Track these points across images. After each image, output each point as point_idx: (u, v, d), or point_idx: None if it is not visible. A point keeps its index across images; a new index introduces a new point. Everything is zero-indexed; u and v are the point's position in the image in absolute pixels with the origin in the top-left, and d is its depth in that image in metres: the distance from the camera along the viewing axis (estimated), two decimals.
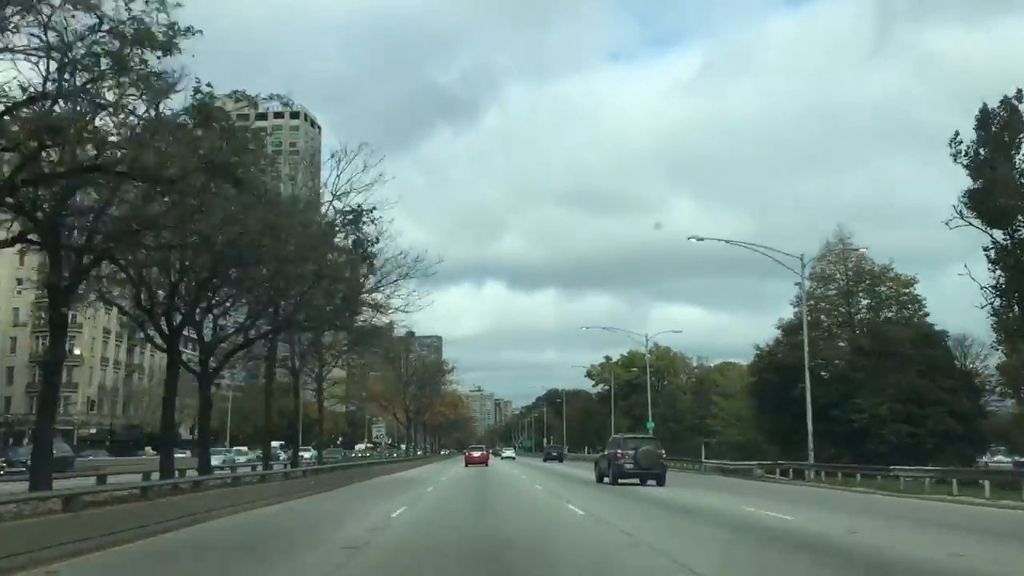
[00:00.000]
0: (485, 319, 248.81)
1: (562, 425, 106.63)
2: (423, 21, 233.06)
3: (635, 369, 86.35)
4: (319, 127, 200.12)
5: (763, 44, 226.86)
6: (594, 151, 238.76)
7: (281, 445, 69.31)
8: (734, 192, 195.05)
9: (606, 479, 28.15)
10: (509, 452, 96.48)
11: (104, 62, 11.07)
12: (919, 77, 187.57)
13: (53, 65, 11.05)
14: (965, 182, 30.45)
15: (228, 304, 22.58)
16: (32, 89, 11.00)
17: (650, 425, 55.52)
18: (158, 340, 20.39)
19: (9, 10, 10.29)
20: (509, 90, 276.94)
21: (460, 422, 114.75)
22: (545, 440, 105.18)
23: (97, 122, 11.84)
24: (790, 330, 43.33)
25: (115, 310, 24.01)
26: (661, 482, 26.66)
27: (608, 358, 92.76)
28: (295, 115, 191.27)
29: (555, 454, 74.45)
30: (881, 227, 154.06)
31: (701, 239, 35.52)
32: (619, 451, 27.66)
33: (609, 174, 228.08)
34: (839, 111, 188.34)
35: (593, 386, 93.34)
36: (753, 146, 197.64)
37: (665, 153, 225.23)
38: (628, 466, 27.19)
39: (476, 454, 57.06)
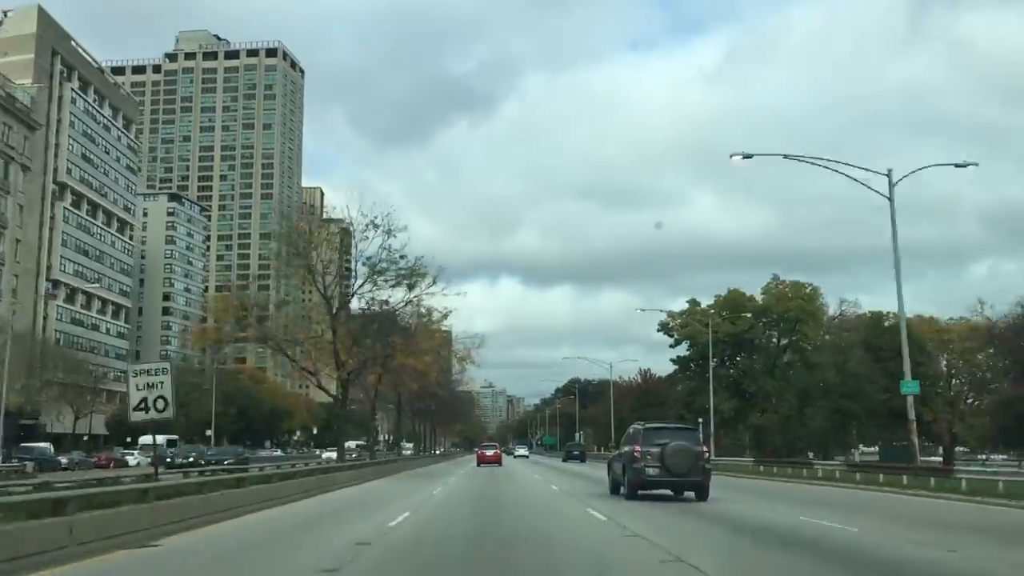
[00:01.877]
0: (498, 316, 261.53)
1: (589, 418, 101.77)
2: (439, 9, 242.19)
3: (747, 316, 64.80)
4: (302, 71, 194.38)
5: (789, 31, 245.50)
6: (613, 143, 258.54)
7: (169, 441, 61.96)
8: (756, 185, 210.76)
9: (622, 490, 22.48)
10: (522, 451, 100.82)
11: None
12: (951, 65, 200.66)
13: None
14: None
15: None
16: None
17: (910, 388, 31.13)
18: None
19: None
20: (526, 80, 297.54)
21: (455, 403, 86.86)
22: (577, 435, 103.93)
23: None
24: None
25: None
26: (702, 495, 21.15)
27: (695, 302, 69.86)
28: (271, 52, 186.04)
29: (576, 453, 74.01)
30: (904, 221, 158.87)
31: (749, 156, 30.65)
32: (638, 449, 21.39)
33: (628, 167, 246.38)
34: (866, 101, 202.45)
35: (672, 345, 70.90)
36: (777, 137, 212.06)
37: (686, 145, 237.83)
38: (651, 471, 21.08)
39: (489, 453, 59.14)
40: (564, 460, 72.06)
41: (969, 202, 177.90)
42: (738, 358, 68.54)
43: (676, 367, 72.65)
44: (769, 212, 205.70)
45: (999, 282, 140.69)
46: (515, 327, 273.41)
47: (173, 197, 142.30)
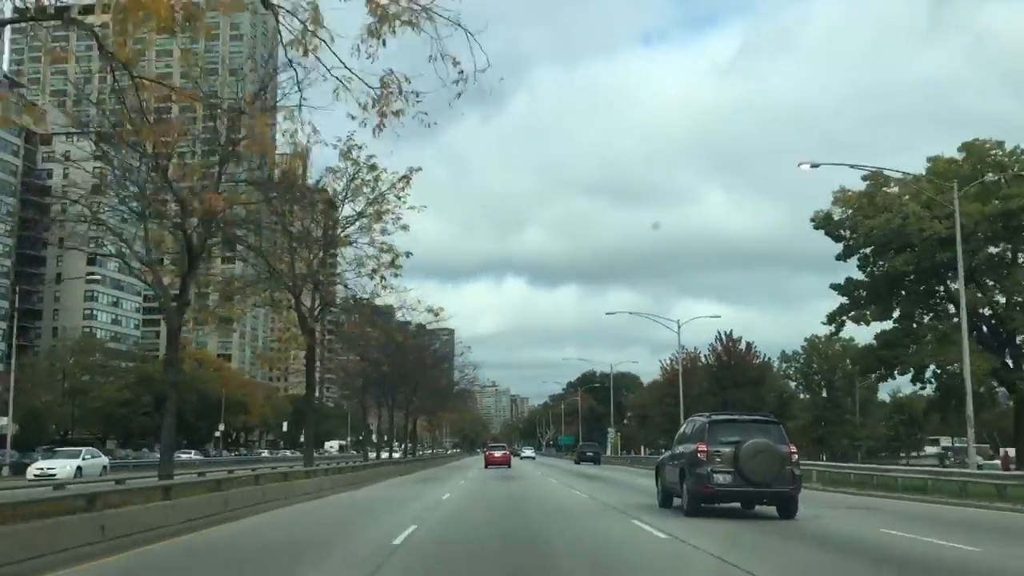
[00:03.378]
0: (503, 316, 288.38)
1: (611, 413, 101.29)
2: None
3: None
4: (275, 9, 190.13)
5: (807, 23, 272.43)
6: (624, 139, 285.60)
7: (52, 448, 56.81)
8: (769, 181, 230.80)
9: (676, 501, 20.52)
10: (529, 452, 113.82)
11: None
12: (972, 58, 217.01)
13: None
14: None
15: None
16: None
17: None
18: None
19: None
20: (536, 74, 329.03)
21: (431, 373, 67.59)
22: (610, 432, 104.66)
23: None
24: None
25: None
26: (789, 511, 18.89)
27: (881, 177, 42.51)
28: None
29: (590, 454, 77.35)
30: None
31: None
32: (702, 448, 18.93)
33: (638, 163, 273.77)
34: (885, 96, 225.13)
35: (842, 255, 47.11)
36: (792, 133, 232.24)
37: (699, 140, 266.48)
38: (721, 477, 18.58)
39: (497, 454, 64.82)
40: (577, 462, 75.61)
41: None
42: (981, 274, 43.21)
43: (844, 299, 48.34)
44: (782, 209, 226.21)
45: None
46: (520, 327, 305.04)
47: (104, 136, 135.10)
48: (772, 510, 19.20)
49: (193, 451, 77.81)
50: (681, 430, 22.27)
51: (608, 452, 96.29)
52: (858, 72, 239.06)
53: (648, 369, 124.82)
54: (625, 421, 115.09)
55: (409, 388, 63.40)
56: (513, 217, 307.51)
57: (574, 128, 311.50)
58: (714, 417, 20.33)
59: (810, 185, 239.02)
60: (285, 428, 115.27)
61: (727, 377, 70.69)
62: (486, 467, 59.37)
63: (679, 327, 63.22)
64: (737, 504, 19.80)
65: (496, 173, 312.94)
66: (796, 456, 19.25)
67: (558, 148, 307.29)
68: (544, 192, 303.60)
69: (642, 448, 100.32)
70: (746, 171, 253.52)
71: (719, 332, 75.01)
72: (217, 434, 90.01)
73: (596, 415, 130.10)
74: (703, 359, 78.28)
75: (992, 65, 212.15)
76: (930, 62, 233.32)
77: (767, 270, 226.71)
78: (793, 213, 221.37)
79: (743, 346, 74.38)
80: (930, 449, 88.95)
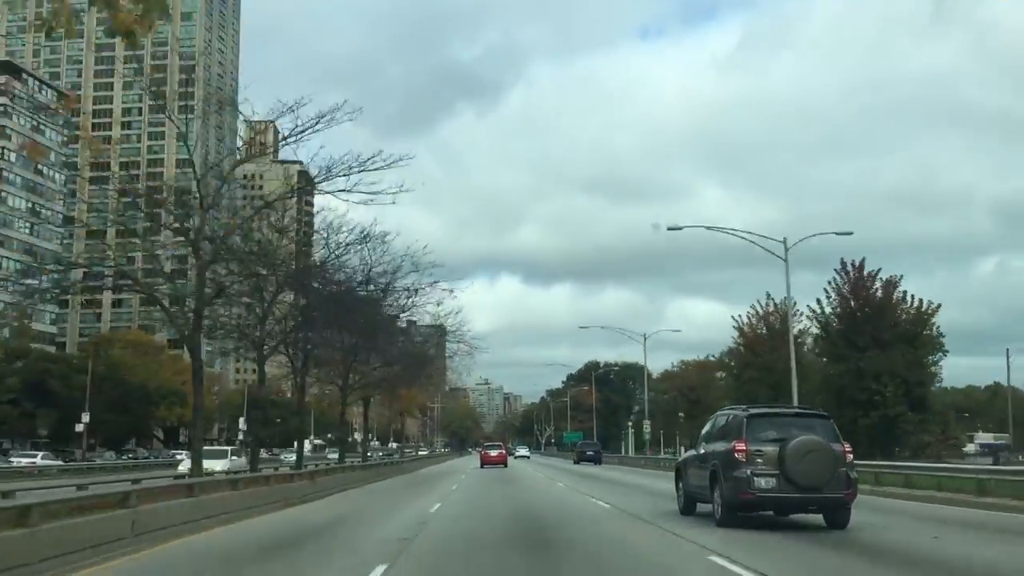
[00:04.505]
0: (497, 314, 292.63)
1: (645, 394, 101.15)
2: None
3: None
4: None
5: (807, 17, 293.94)
6: (622, 134, 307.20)
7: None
8: (768, 177, 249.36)
9: (702, 507, 20.20)
10: (523, 451, 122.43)
11: None
12: (974, 52, 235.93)
13: None
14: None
15: None
16: None
17: None
18: None
19: None
20: (533, 68, 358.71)
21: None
22: (645, 424, 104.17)
23: None
24: None
25: None
26: (840, 519, 18.09)
27: None
28: None
29: (591, 453, 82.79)
30: (917, 214, 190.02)
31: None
32: (739, 447, 18.17)
33: (636, 159, 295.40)
34: (885, 89, 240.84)
35: None
36: (791, 127, 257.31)
37: (698, 136, 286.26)
38: (763, 481, 17.77)
39: (493, 453, 71.86)
40: (576, 462, 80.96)
41: (982, 194, 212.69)
42: None
43: None
44: (782, 205, 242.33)
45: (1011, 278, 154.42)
46: (514, 325, 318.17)
47: (7, 67, 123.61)
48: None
49: (41, 454, 63.80)
50: (707, 427, 21.59)
51: (632, 451, 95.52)
52: (859, 66, 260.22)
53: (651, 366, 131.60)
54: (633, 416, 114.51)
55: (342, 348, 44.74)
56: (509, 214, 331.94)
57: (571, 123, 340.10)
58: (752, 410, 19.65)
59: (809, 182, 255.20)
60: (242, 424, 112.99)
61: (862, 333, 53.41)
62: (482, 467, 65.40)
63: (786, 249, 43.87)
64: (770, 511, 19.05)
65: (492, 169, 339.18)
66: (851, 456, 18.53)
67: (555, 143, 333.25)
68: (540, 188, 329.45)
69: (682, 446, 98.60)
70: (746, 166, 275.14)
71: (843, 262, 56.34)
72: (79, 428, 75.31)
73: (611, 407, 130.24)
74: (820, 307, 58.65)
75: (993, 58, 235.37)
76: (931, 55, 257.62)
77: (767, 269, 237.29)
78: (792, 208, 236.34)
79: (880, 284, 55.91)
80: None
